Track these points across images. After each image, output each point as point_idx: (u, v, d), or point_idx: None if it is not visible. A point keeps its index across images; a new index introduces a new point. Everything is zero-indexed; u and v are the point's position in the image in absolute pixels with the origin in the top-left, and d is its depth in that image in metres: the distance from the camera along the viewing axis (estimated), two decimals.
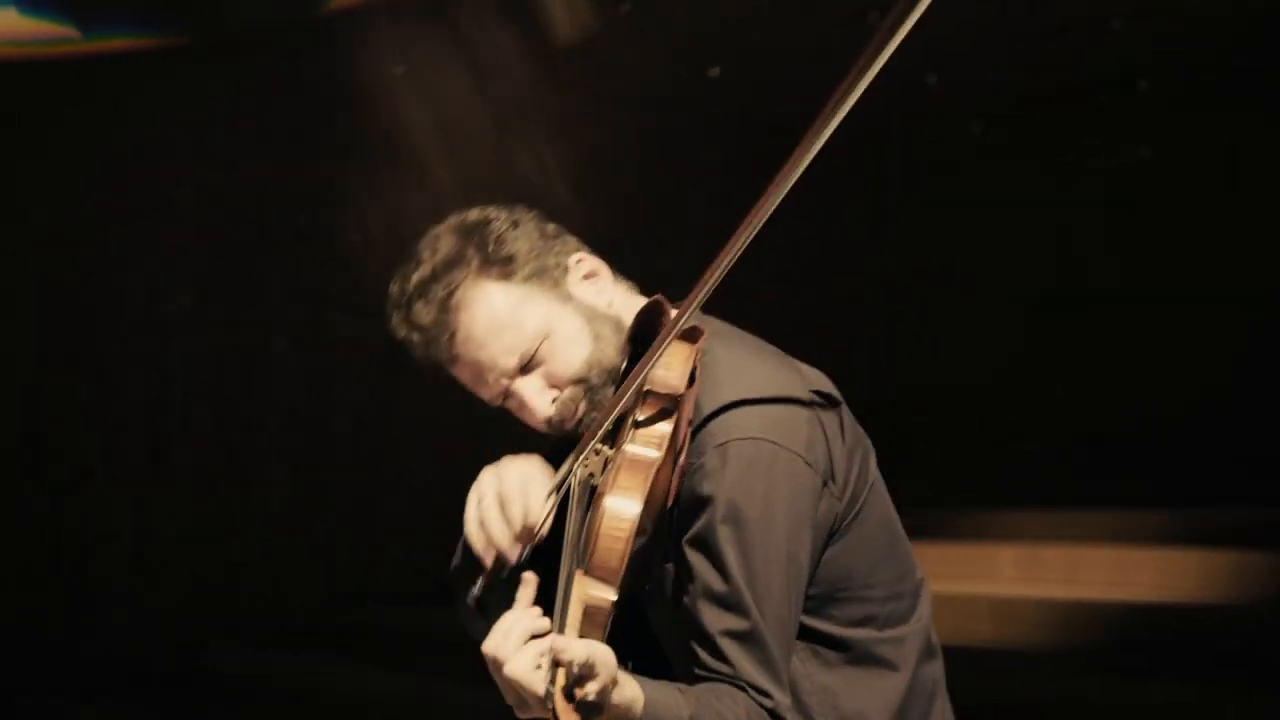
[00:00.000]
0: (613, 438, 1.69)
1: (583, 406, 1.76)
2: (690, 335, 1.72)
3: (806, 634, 1.75)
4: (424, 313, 1.75)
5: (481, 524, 1.73)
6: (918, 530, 6.45)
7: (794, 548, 1.68)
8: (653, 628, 1.80)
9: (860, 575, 1.77)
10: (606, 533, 1.58)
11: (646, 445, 1.65)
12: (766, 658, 1.66)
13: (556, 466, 1.77)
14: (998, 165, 8.28)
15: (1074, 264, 8.46)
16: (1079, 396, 8.03)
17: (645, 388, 1.67)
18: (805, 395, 1.75)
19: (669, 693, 1.62)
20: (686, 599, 1.69)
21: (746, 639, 1.65)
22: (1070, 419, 7.94)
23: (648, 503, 1.61)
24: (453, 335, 1.75)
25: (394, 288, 1.79)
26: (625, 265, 1.91)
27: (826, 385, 1.80)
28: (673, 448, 1.67)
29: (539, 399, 1.76)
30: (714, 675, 1.65)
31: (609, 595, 1.58)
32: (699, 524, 1.68)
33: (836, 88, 1.36)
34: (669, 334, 1.64)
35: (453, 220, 1.80)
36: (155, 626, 6.27)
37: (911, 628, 1.83)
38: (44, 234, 6.12)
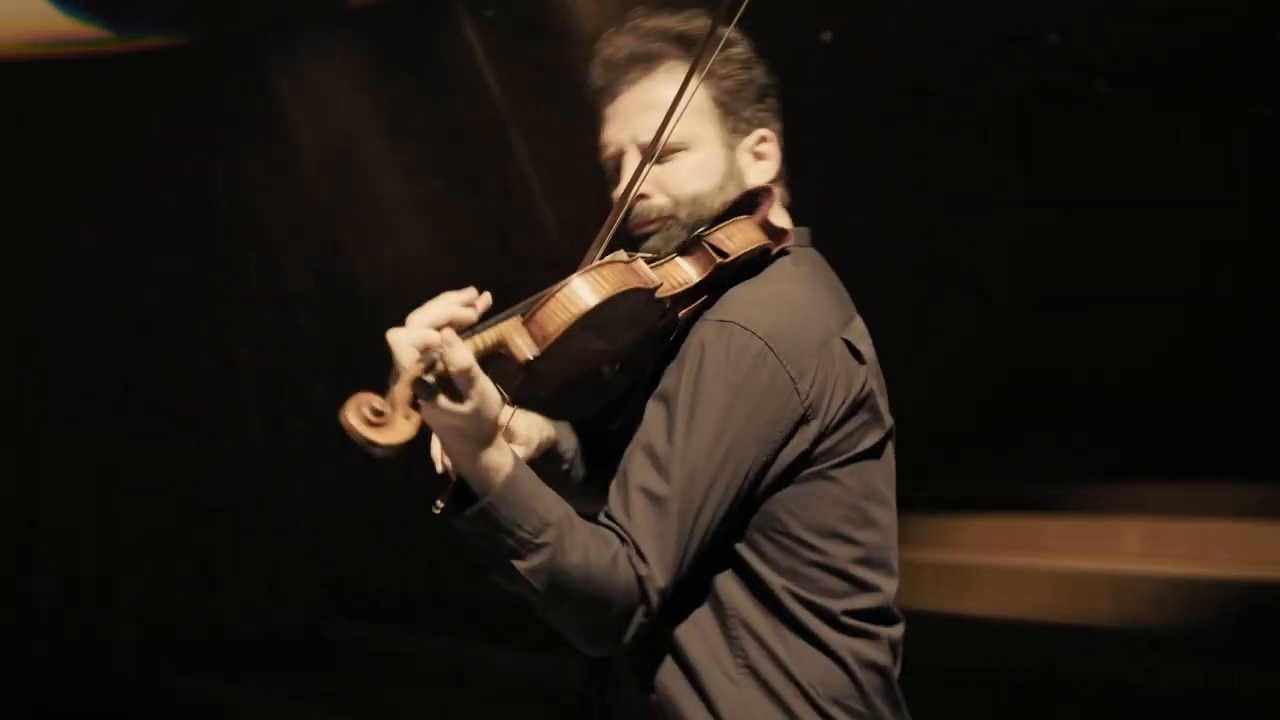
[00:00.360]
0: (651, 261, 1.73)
1: (654, 225, 1.80)
2: (772, 232, 1.76)
3: (745, 574, 1.70)
4: (629, 43, 1.83)
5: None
6: (1039, 504, 6.22)
7: (740, 451, 1.65)
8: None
9: (806, 527, 1.70)
10: (559, 301, 1.58)
11: (657, 271, 1.68)
12: (665, 530, 1.60)
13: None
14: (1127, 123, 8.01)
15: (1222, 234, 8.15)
16: (1210, 365, 7.76)
17: (702, 238, 1.72)
18: (827, 331, 1.73)
19: (543, 490, 1.58)
20: (630, 446, 1.68)
21: (657, 503, 1.61)
22: (1202, 387, 7.67)
23: (614, 310, 1.60)
24: (629, 77, 1.82)
25: (641, 9, 1.85)
26: None
27: (862, 343, 1.78)
28: (681, 297, 1.69)
29: (639, 182, 1.78)
30: (610, 523, 1.61)
31: (526, 351, 1.56)
32: (667, 380, 1.68)
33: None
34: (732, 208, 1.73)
35: (715, 18, 1.82)
36: (275, 597, 6.40)
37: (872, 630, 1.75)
38: (166, 211, 6.26)
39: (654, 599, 1.59)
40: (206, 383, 6.34)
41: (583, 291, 1.59)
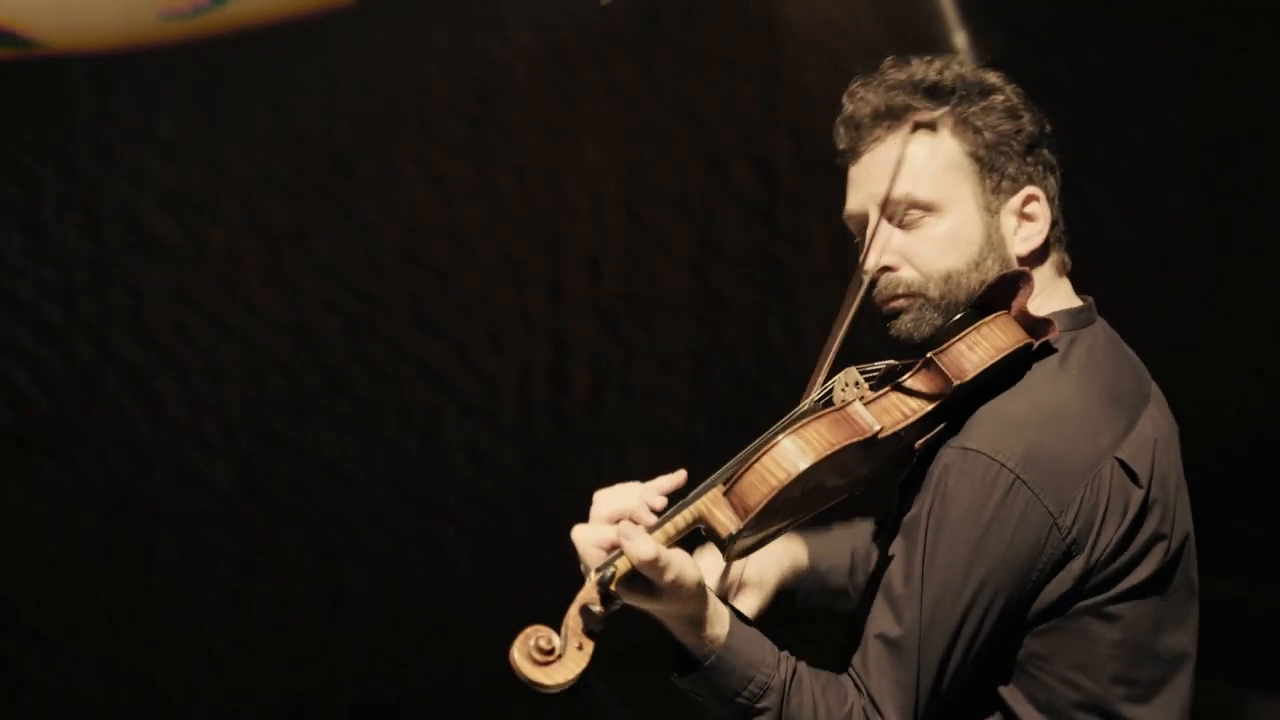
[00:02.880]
0: (884, 379, 1.61)
1: (901, 302, 1.68)
2: (1031, 325, 1.58)
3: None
4: (873, 99, 1.70)
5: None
6: None
7: (990, 592, 1.55)
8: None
9: (1076, 668, 1.60)
10: (763, 467, 1.51)
11: (876, 405, 1.54)
12: (903, 678, 1.54)
13: None
14: None
15: None
16: None
17: (933, 355, 1.58)
18: (1097, 452, 1.57)
19: (763, 654, 1.56)
20: (869, 586, 1.65)
21: (893, 649, 1.55)
22: None
23: (832, 465, 1.50)
24: (873, 136, 1.70)
25: (891, 61, 1.74)
26: None
27: (1140, 462, 1.61)
28: (909, 430, 1.57)
29: (876, 253, 1.69)
30: (850, 673, 1.58)
31: (730, 526, 1.49)
32: (907, 516, 1.59)
33: None
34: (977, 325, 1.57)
35: (979, 67, 1.73)
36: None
37: None
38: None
39: None
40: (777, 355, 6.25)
41: (787, 457, 1.51)
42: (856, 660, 1.58)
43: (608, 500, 1.55)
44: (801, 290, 6.30)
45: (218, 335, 5.98)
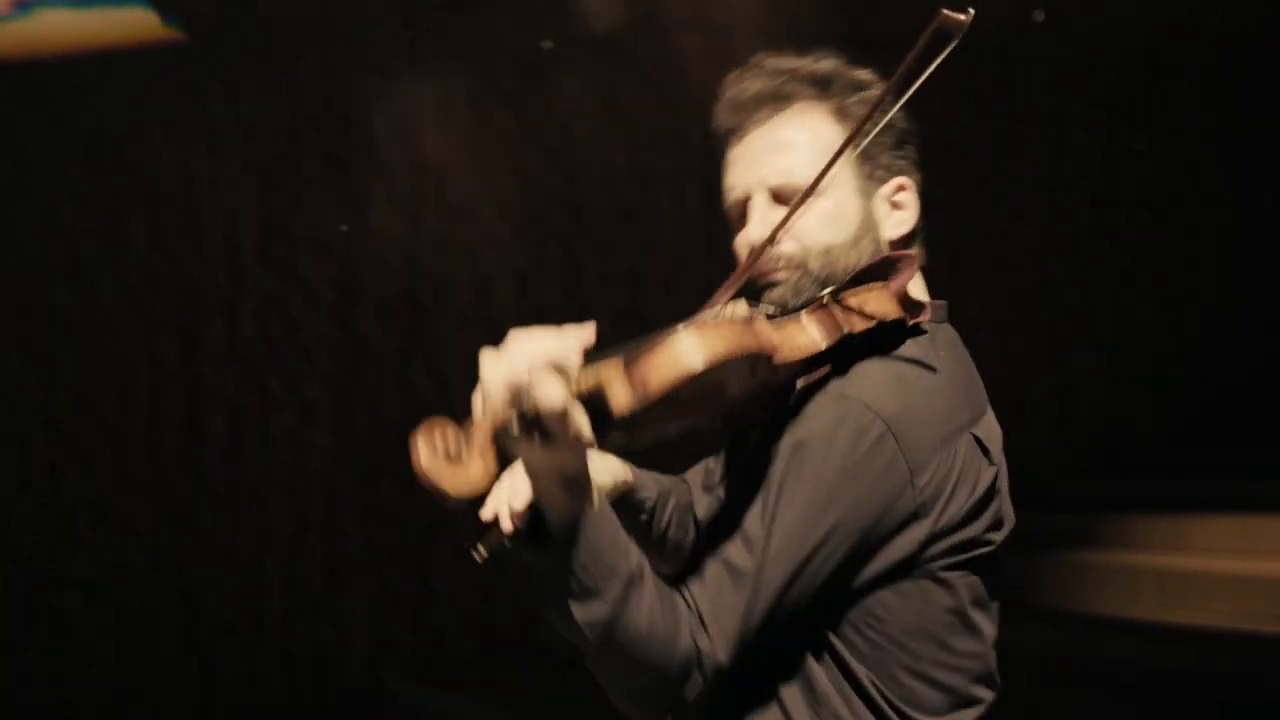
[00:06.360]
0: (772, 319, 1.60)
1: (781, 274, 1.69)
2: (909, 305, 1.63)
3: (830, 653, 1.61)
4: (757, 84, 1.73)
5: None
6: (1276, 503, 5.20)
7: (838, 538, 1.55)
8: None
9: (903, 629, 1.61)
10: (665, 355, 1.44)
11: (778, 331, 1.53)
12: (737, 607, 1.52)
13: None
14: None
15: None
16: None
17: (832, 300, 1.59)
18: (957, 426, 1.61)
19: (622, 539, 1.50)
20: (721, 510, 1.65)
21: (735, 577, 1.53)
22: None
23: (728, 370, 1.47)
24: (757, 117, 1.73)
25: (761, 53, 1.77)
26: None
27: (993, 440, 1.66)
28: (801, 363, 1.57)
29: (760, 228, 1.70)
30: (685, 589, 1.55)
31: (624, 402, 1.43)
32: (773, 450, 1.58)
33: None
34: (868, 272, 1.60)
35: (847, 62, 1.76)
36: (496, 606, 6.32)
37: None
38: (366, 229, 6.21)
39: (709, 674, 1.51)
40: (421, 401, 6.25)
41: (692, 349, 1.44)
42: (694, 579, 1.54)
43: (527, 340, 1.44)
44: (444, 333, 6.34)
45: None
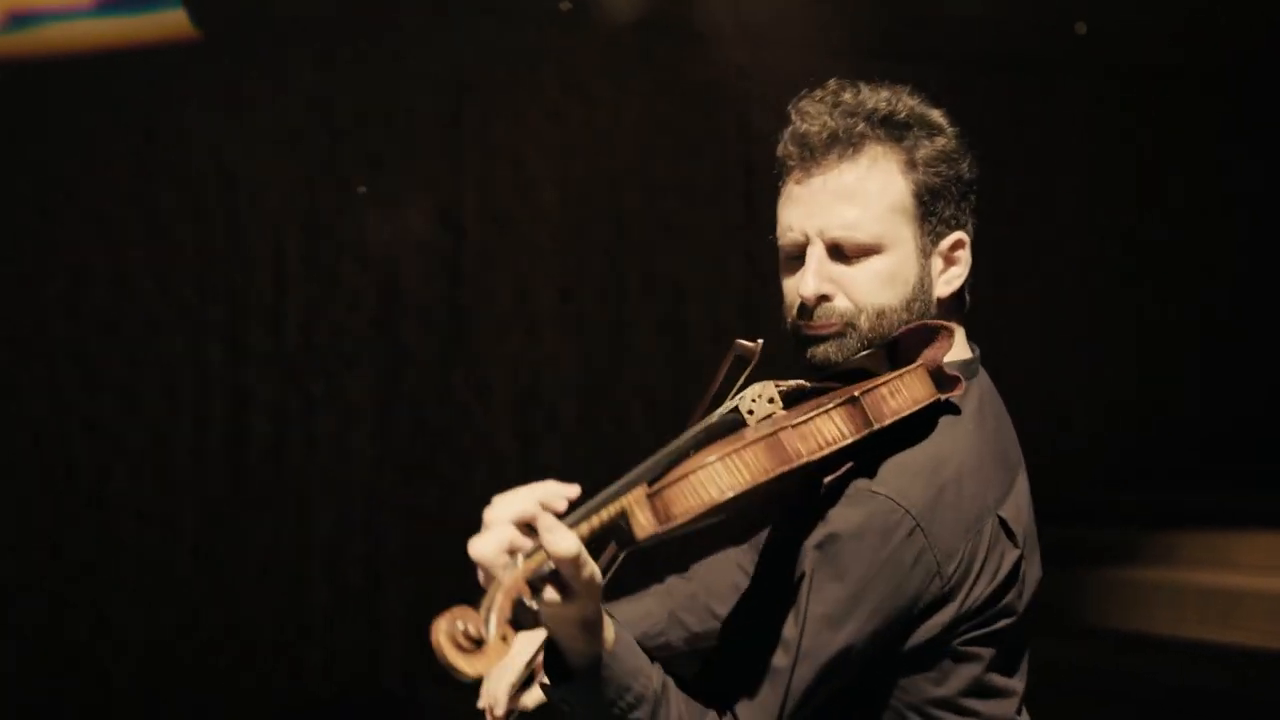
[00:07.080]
0: (795, 399, 1.62)
1: (832, 328, 1.67)
2: (942, 381, 1.62)
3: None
4: (830, 121, 1.67)
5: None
6: None
7: (869, 632, 1.57)
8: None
9: (927, 700, 1.63)
10: (696, 483, 1.44)
11: (803, 429, 1.51)
12: (771, 704, 1.54)
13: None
14: None
15: None
16: None
17: (859, 393, 1.56)
18: (984, 509, 1.61)
19: (642, 662, 1.51)
20: (748, 605, 1.64)
21: (770, 677, 1.55)
22: None
23: (753, 493, 1.48)
24: (826, 160, 1.66)
25: (838, 83, 1.71)
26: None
27: (1020, 515, 1.67)
28: (825, 460, 1.54)
29: (816, 281, 1.67)
30: (714, 686, 1.56)
31: (647, 528, 1.44)
32: (808, 541, 1.58)
33: None
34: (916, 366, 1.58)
35: (927, 104, 1.71)
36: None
37: None
38: (415, 237, 6.23)
39: None
40: (461, 407, 6.30)
41: (716, 481, 1.45)
42: (726, 684, 1.56)
43: (508, 504, 1.43)
44: (485, 340, 6.36)
45: None
